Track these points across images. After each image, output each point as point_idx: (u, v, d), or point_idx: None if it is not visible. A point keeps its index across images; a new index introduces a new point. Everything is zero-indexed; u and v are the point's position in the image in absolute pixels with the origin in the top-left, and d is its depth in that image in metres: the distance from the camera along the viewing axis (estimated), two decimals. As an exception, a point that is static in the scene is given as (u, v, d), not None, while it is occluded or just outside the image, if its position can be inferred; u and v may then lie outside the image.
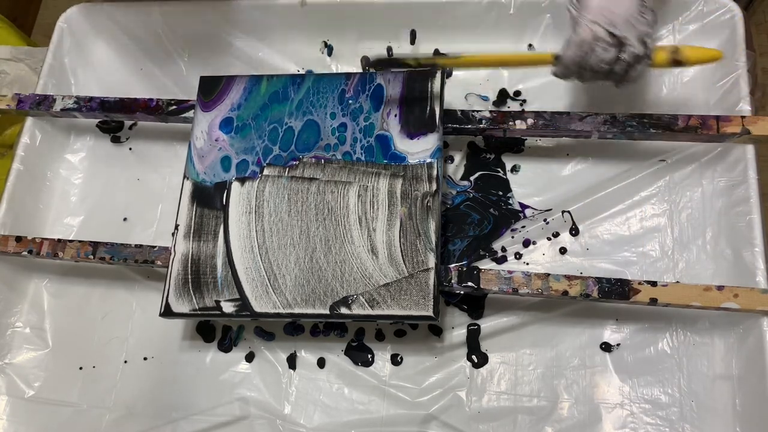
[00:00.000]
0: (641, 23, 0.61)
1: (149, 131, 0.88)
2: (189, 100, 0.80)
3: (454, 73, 0.85)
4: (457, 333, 0.73)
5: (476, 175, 0.79)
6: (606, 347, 0.70)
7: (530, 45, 0.84)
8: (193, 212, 0.73)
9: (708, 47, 0.68)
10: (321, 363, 0.74)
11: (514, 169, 0.79)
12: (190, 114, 0.79)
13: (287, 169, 0.73)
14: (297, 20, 0.87)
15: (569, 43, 0.63)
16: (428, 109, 0.72)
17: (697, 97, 0.78)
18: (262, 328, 0.76)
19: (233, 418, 0.73)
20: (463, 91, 0.83)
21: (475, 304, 0.73)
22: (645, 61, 0.62)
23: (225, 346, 0.76)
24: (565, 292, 0.65)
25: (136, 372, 0.76)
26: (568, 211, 0.75)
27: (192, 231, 0.72)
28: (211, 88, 0.78)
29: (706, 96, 0.77)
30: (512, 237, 0.75)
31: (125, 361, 0.77)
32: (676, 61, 0.63)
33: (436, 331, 0.73)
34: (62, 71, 0.90)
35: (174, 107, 0.80)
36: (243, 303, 0.68)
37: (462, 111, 0.75)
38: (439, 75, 0.74)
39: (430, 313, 0.64)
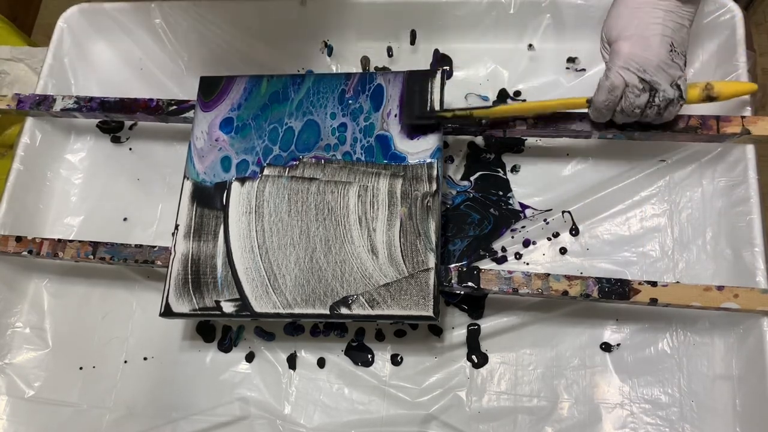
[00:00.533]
0: (672, 67, 0.61)
1: (149, 131, 0.88)
2: (189, 100, 0.80)
3: (454, 73, 0.85)
4: (457, 333, 0.73)
5: (476, 175, 0.79)
6: (606, 347, 0.70)
7: (530, 45, 0.84)
8: (193, 212, 0.73)
9: (741, 82, 0.70)
10: (321, 363, 0.74)
11: (514, 169, 0.79)
12: (190, 114, 0.79)
13: (287, 169, 0.73)
14: (297, 20, 0.87)
15: (600, 88, 0.63)
16: (428, 109, 0.72)
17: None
18: (262, 328, 0.76)
19: (233, 418, 0.73)
20: (463, 91, 0.83)
21: (475, 304, 0.73)
22: (678, 103, 0.63)
23: (225, 346, 0.76)
24: (565, 292, 0.65)
25: (136, 372, 0.76)
26: (568, 211, 0.75)
27: (192, 231, 0.72)
28: (211, 88, 0.78)
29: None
30: (512, 237, 0.75)
31: (125, 361, 0.77)
32: (710, 96, 0.64)
33: (436, 331, 0.73)
34: (62, 71, 0.90)
35: (174, 107, 0.80)
36: (243, 303, 0.68)
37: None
38: (439, 75, 0.74)
39: (430, 313, 0.64)
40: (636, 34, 0.62)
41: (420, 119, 0.72)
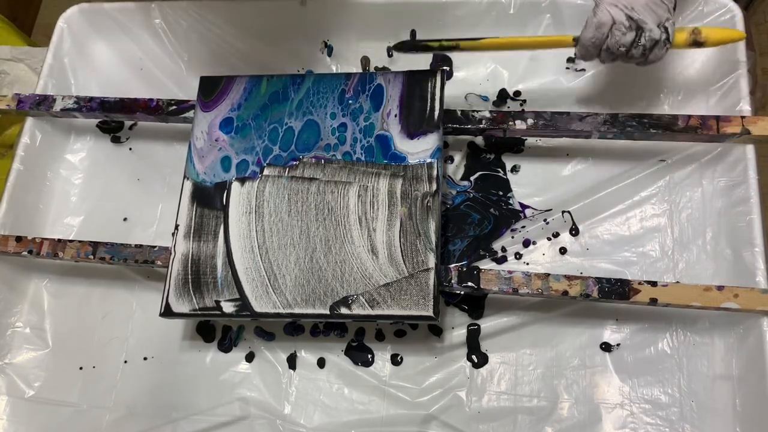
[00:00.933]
0: (661, 8, 0.62)
1: (149, 131, 0.88)
2: (189, 100, 0.80)
3: (454, 73, 0.85)
4: (457, 333, 0.73)
5: (476, 175, 0.79)
6: (606, 347, 0.70)
7: (530, 45, 0.84)
8: (193, 212, 0.73)
9: (729, 29, 0.69)
10: (321, 363, 0.74)
11: (514, 169, 0.79)
12: (190, 114, 0.79)
13: (287, 169, 0.73)
14: (297, 20, 0.87)
15: (588, 25, 0.64)
16: (428, 109, 0.72)
17: (697, 98, 0.78)
18: (262, 328, 0.76)
19: (233, 418, 0.73)
20: (463, 91, 0.83)
21: (475, 304, 0.73)
22: (664, 45, 0.63)
23: (225, 346, 0.76)
24: (565, 292, 0.65)
25: (136, 372, 0.76)
26: (568, 211, 0.75)
27: (192, 231, 0.72)
28: (211, 88, 0.78)
29: (706, 96, 0.77)
30: (512, 237, 0.75)
31: (125, 361, 0.77)
32: (697, 41, 0.64)
33: (436, 331, 0.73)
34: (62, 71, 0.90)
35: (174, 107, 0.80)
36: (243, 303, 0.68)
37: (462, 111, 0.75)
38: (439, 75, 0.74)
39: (430, 313, 0.64)
40: None
41: (410, 50, 0.73)
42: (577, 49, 0.67)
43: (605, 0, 0.63)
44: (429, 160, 0.70)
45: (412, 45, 0.75)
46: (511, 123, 0.72)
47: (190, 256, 0.71)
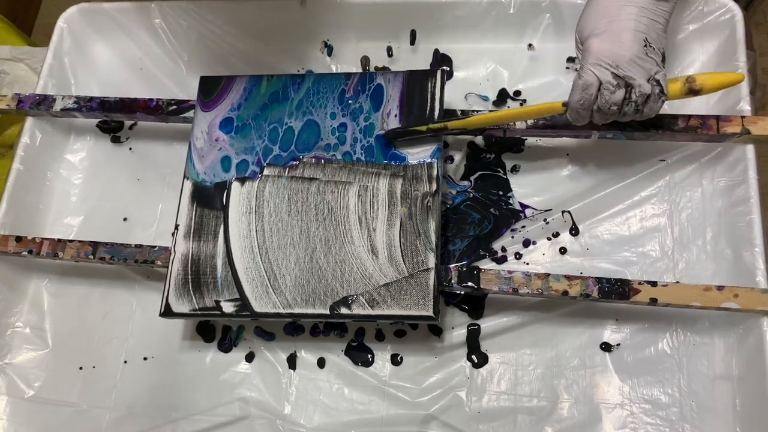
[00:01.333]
0: (648, 62, 0.59)
1: (149, 131, 0.88)
2: (189, 100, 0.80)
3: (454, 73, 0.85)
4: (457, 333, 0.73)
5: (476, 175, 0.79)
6: (606, 347, 0.70)
7: (530, 45, 0.84)
8: (193, 212, 0.73)
9: (725, 72, 0.66)
10: (321, 363, 0.74)
11: (514, 169, 0.79)
12: (190, 114, 0.79)
13: (287, 169, 0.73)
14: (297, 20, 0.87)
15: (574, 87, 0.62)
16: (428, 109, 0.72)
17: (697, 98, 0.78)
18: (262, 328, 0.76)
19: (233, 418, 0.73)
20: (463, 91, 0.83)
21: (475, 304, 0.73)
22: (659, 98, 0.61)
23: (225, 346, 0.76)
24: (565, 292, 0.65)
25: (136, 372, 0.76)
26: (568, 211, 0.75)
27: (192, 231, 0.72)
28: (211, 88, 0.78)
29: (706, 96, 0.77)
30: (512, 237, 0.75)
31: (125, 361, 0.77)
32: (693, 90, 0.61)
33: (436, 331, 0.73)
34: (62, 71, 0.90)
35: (174, 107, 0.80)
36: (243, 303, 0.68)
37: (462, 111, 0.75)
38: (439, 75, 0.74)
39: (430, 313, 0.64)
40: (607, 30, 0.61)
41: (396, 137, 0.71)
42: (568, 114, 0.64)
43: (588, 60, 0.60)
44: (429, 160, 0.70)
45: (399, 133, 0.72)
46: (511, 123, 0.72)
47: (190, 256, 0.71)
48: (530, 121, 0.72)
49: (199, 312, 0.69)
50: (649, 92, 0.60)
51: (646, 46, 0.60)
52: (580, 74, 0.61)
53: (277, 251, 0.69)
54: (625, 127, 0.69)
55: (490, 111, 0.74)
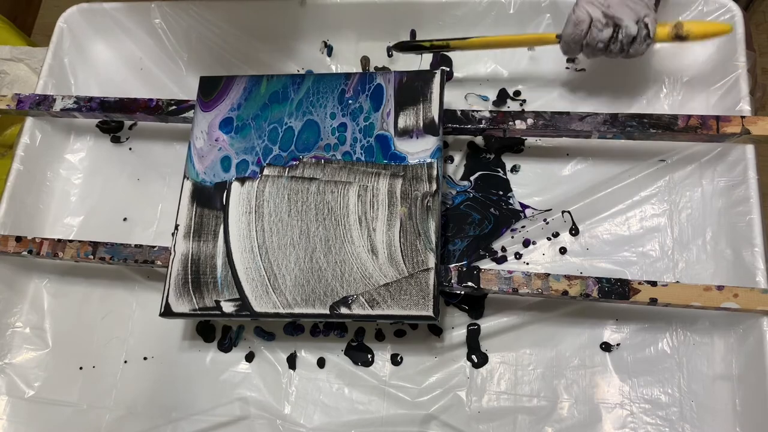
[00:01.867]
0: (638, 5, 0.64)
1: (149, 131, 0.88)
2: (189, 100, 0.80)
3: (454, 73, 0.85)
4: (457, 333, 0.73)
5: (476, 175, 0.79)
6: (606, 347, 0.70)
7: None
8: (193, 212, 0.73)
9: (713, 22, 0.70)
10: (321, 363, 0.74)
11: (514, 169, 0.79)
12: (190, 114, 0.79)
13: (287, 169, 0.73)
14: (297, 20, 0.87)
15: (568, 22, 0.68)
16: (428, 109, 0.72)
17: (697, 97, 0.78)
18: (262, 328, 0.76)
19: (233, 418, 0.73)
20: (463, 91, 0.83)
21: (475, 304, 0.73)
22: (645, 41, 0.65)
23: (225, 346, 0.76)
24: (565, 292, 0.65)
25: (136, 372, 0.76)
26: (568, 211, 0.75)
27: (192, 231, 0.72)
28: (211, 88, 0.78)
29: (706, 96, 0.77)
30: (512, 237, 0.75)
31: (125, 361, 0.77)
32: (679, 35, 0.65)
33: (436, 331, 0.73)
34: (62, 71, 0.90)
35: (174, 107, 0.80)
36: (243, 303, 0.68)
37: (462, 111, 0.75)
38: (439, 75, 0.74)
39: (430, 313, 0.64)
40: None
41: (402, 50, 0.80)
42: (560, 45, 0.71)
43: None
44: (429, 160, 0.70)
45: (406, 45, 0.80)
46: (511, 123, 0.72)
47: (190, 256, 0.71)
48: (530, 121, 0.72)
49: (199, 312, 0.69)
50: (635, 34, 0.64)
51: None
52: (574, 10, 0.67)
53: (277, 251, 0.69)
54: (625, 127, 0.69)
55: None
